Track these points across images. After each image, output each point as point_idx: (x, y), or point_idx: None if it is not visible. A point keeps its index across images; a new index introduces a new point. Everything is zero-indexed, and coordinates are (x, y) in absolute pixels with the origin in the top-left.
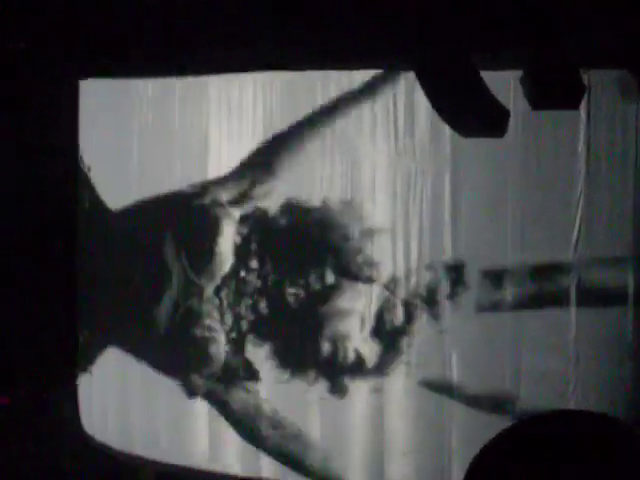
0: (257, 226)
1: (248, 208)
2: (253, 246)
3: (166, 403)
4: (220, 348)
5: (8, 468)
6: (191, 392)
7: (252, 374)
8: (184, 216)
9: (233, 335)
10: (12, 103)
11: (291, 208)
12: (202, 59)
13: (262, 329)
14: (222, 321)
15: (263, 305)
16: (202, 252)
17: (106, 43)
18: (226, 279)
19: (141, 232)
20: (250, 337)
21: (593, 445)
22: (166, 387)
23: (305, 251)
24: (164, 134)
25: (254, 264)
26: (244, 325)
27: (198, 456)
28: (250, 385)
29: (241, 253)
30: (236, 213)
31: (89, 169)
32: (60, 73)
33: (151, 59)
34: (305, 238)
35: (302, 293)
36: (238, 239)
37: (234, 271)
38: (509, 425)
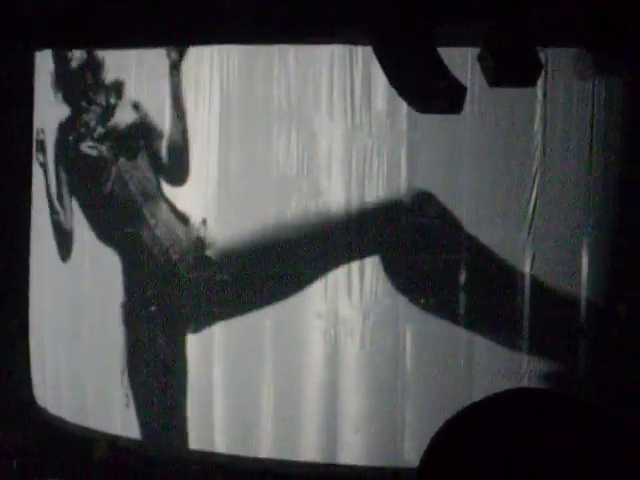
0: None
1: None
2: None
3: (120, 375)
4: None
5: None
6: None
7: None
8: None
9: None
10: None
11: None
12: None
13: None
14: None
15: None
16: None
17: (63, 13)
18: None
19: None
20: None
21: (553, 424)
22: (120, 359)
23: None
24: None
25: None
26: None
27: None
28: None
29: None
30: None
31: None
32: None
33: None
34: None
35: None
36: None
37: None
38: (467, 405)
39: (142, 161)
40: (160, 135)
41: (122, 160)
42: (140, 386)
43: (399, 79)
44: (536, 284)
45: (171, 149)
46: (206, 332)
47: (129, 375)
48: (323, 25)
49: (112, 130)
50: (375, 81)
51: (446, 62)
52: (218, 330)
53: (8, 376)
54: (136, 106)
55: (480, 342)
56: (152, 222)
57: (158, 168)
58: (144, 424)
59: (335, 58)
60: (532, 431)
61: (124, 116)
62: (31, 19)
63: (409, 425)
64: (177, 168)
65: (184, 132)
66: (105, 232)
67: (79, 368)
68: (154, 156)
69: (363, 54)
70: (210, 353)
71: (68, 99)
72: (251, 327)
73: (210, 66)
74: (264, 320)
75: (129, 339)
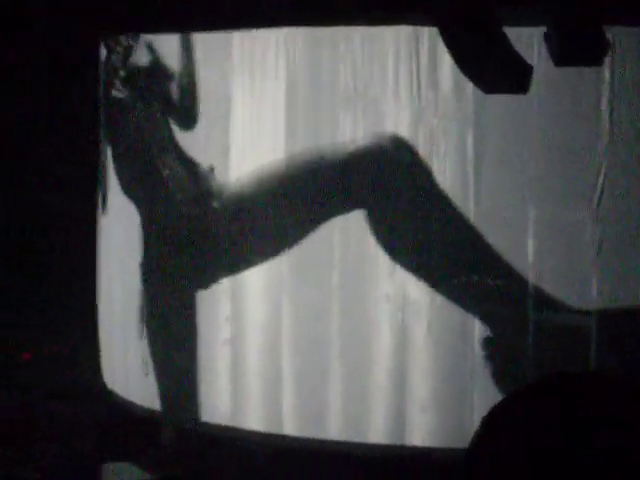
0: None
1: None
2: None
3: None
4: None
5: (31, 425)
6: None
7: None
8: None
9: None
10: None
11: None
12: (224, 14)
13: None
14: None
15: None
16: None
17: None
18: None
19: None
20: None
21: (608, 407)
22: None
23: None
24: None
25: None
26: None
27: (221, 413)
28: None
29: None
30: None
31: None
32: (81, 30)
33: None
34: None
35: None
36: None
37: None
38: (523, 384)
39: (156, 107)
40: (171, 77)
41: (139, 106)
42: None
43: (465, 60)
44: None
45: (181, 91)
46: (274, 319)
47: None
48: (389, 6)
49: (131, 72)
50: (441, 62)
51: (512, 42)
52: (285, 315)
53: (77, 358)
54: (150, 47)
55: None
56: (165, 173)
57: (169, 111)
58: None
59: (401, 39)
60: (578, 414)
61: (141, 58)
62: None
63: (477, 407)
64: (186, 110)
65: (192, 74)
66: (128, 188)
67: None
68: (166, 99)
69: (429, 35)
70: (278, 340)
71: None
72: (318, 313)
73: (276, 50)
74: (330, 305)
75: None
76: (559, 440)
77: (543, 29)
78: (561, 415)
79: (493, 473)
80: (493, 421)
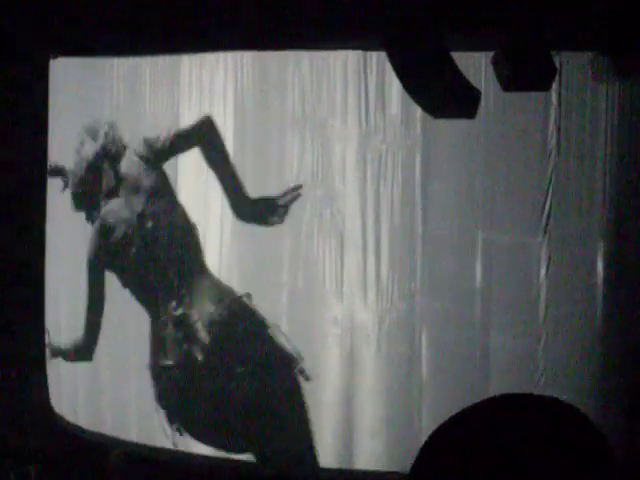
0: None
1: None
2: None
3: (136, 383)
4: None
5: None
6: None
7: None
8: None
9: None
10: None
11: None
12: (174, 39)
13: None
14: None
15: None
16: None
17: (77, 21)
18: None
19: None
20: None
21: (542, 430)
22: (136, 367)
23: None
24: (135, 114)
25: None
26: None
27: (169, 437)
28: None
29: None
30: None
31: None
32: (30, 52)
33: (123, 38)
34: None
35: None
36: None
37: None
38: (460, 409)
39: None
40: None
41: None
42: None
43: (413, 84)
44: (552, 287)
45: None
46: None
47: None
48: (336, 31)
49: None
50: (389, 86)
51: (461, 67)
52: None
53: (25, 382)
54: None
55: (495, 346)
56: None
57: None
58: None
59: (349, 63)
60: (518, 437)
61: None
62: (46, 26)
63: (425, 431)
64: None
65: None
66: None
67: (95, 375)
68: None
69: (377, 59)
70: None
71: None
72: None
73: (224, 72)
74: (280, 324)
75: None
76: (497, 464)
77: (491, 54)
78: (500, 438)
79: None
80: (432, 445)
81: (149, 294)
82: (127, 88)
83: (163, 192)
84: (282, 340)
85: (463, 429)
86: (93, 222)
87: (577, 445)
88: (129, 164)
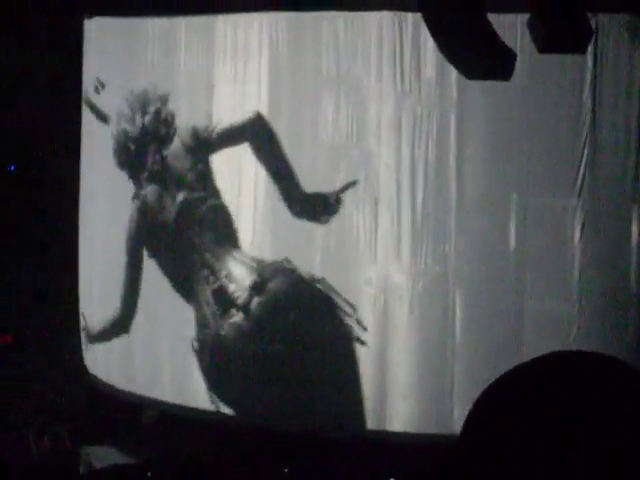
0: None
1: None
2: None
3: (169, 343)
4: None
5: (10, 406)
6: None
7: None
8: None
9: None
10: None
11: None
12: None
13: None
14: None
15: None
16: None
17: None
18: None
19: None
20: None
21: (600, 387)
22: (169, 327)
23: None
24: (170, 73)
25: None
26: None
27: (200, 396)
28: None
29: None
30: None
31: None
32: (66, 11)
33: None
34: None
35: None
36: None
37: None
38: (510, 369)
39: None
40: None
41: None
42: None
43: (448, 45)
44: (586, 250)
45: None
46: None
47: None
48: None
49: None
50: (424, 47)
51: (495, 28)
52: None
53: (62, 341)
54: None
55: (529, 308)
56: None
57: None
58: None
59: (384, 24)
60: (571, 394)
61: None
62: None
63: (457, 393)
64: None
65: None
66: None
67: (130, 335)
68: None
69: (412, 20)
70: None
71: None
72: None
73: (259, 33)
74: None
75: None
76: (550, 421)
77: (526, 16)
78: (553, 396)
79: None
80: (484, 405)
81: (186, 272)
82: (162, 48)
83: (204, 184)
84: (331, 293)
85: (512, 390)
86: (133, 199)
87: (628, 399)
88: (175, 151)
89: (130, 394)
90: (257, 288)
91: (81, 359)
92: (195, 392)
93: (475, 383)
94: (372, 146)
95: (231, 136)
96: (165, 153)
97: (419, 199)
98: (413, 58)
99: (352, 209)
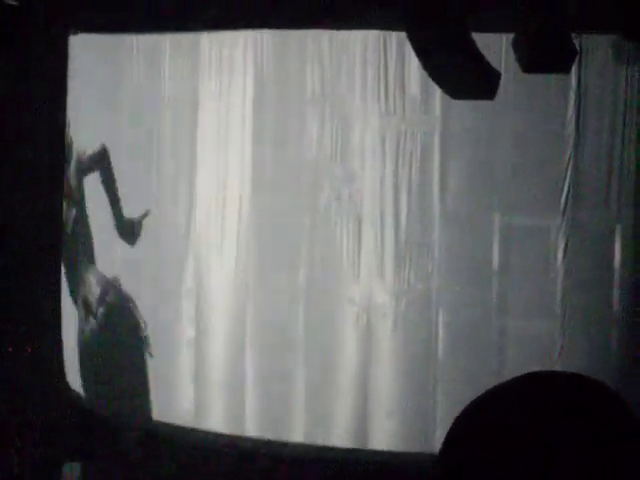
0: None
1: None
2: None
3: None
4: None
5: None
6: None
7: None
8: None
9: None
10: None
11: None
12: (194, 16)
13: None
14: None
15: None
16: None
17: None
18: None
19: None
20: None
21: (578, 408)
22: (153, 344)
23: None
24: (155, 89)
25: None
26: None
27: (183, 414)
28: None
29: None
30: None
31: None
32: (51, 28)
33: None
34: None
35: None
36: None
37: None
38: (489, 388)
39: None
40: None
41: None
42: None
43: (433, 64)
44: (569, 270)
45: None
46: (239, 317)
47: None
48: (357, 10)
49: None
50: (409, 66)
51: (480, 48)
52: (250, 315)
53: (44, 360)
54: None
55: (512, 327)
56: None
57: None
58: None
59: (369, 43)
60: (550, 415)
61: None
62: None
63: (441, 412)
64: None
65: None
66: None
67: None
68: None
69: (397, 39)
70: (242, 337)
71: None
72: (284, 312)
73: (244, 51)
74: (297, 305)
75: None
76: (527, 443)
77: (511, 35)
78: (530, 417)
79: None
80: (460, 426)
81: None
82: (147, 65)
83: (78, 199)
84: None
85: (491, 410)
86: None
87: (607, 420)
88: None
89: (115, 414)
90: (99, 300)
91: (64, 376)
92: (178, 409)
93: (458, 402)
94: (356, 164)
95: (84, 165)
96: (67, 174)
97: (402, 218)
98: (397, 77)
99: (336, 228)
